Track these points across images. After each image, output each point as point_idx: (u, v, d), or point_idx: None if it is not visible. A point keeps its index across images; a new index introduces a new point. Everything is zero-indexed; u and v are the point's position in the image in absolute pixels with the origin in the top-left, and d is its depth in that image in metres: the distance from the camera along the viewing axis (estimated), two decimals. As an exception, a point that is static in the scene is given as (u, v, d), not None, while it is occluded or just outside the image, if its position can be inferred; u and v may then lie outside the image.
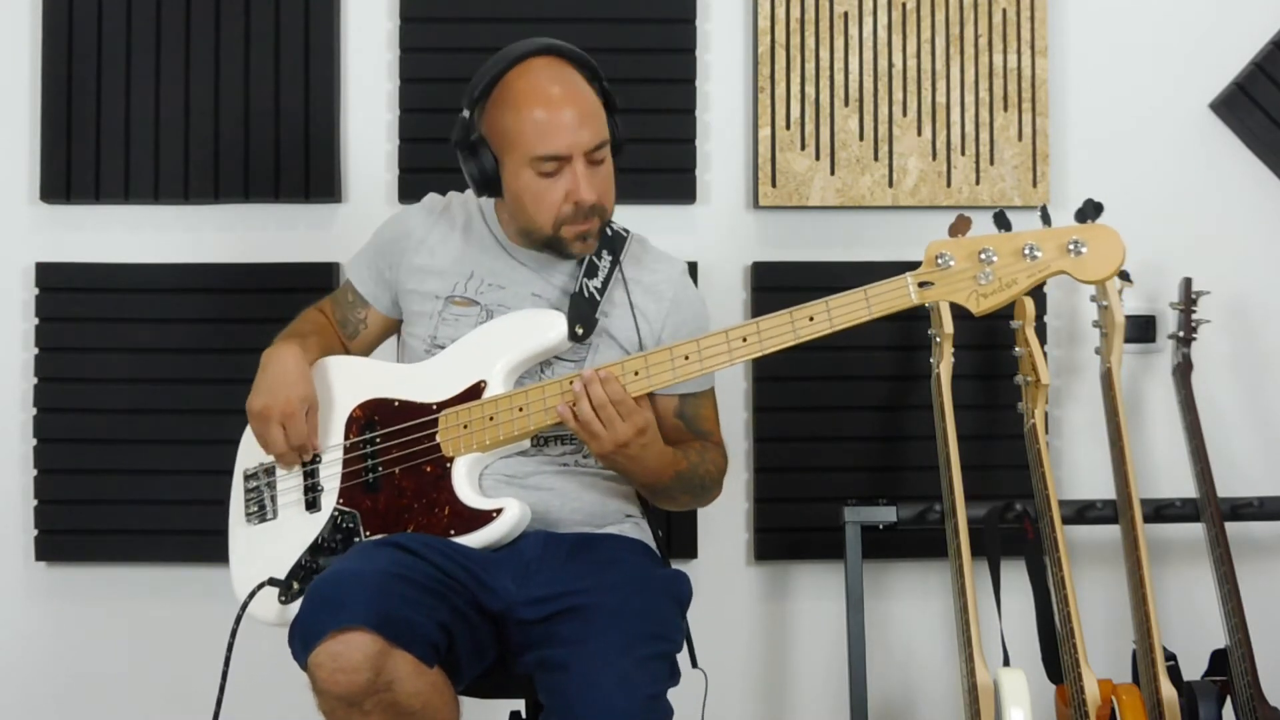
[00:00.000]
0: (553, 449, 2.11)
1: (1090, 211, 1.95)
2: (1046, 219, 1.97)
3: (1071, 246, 1.92)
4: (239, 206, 2.85)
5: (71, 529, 2.81)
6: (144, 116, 2.82)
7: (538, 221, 2.07)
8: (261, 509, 2.15)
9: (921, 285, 1.95)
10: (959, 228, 1.99)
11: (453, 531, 2.00)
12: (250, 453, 2.18)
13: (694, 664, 2.10)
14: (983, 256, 1.94)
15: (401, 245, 2.20)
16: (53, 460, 2.82)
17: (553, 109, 2.02)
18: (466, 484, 2.03)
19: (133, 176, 2.82)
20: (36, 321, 2.83)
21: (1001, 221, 1.99)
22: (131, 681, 2.85)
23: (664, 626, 1.97)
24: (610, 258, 2.15)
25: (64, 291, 2.82)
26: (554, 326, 2.05)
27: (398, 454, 2.07)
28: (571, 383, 1.98)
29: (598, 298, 2.11)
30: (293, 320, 2.28)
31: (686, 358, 1.98)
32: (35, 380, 2.82)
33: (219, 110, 2.82)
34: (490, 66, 2.06)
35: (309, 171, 2.82)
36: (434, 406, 2.07)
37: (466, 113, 2.07)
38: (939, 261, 1.95)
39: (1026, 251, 1.93)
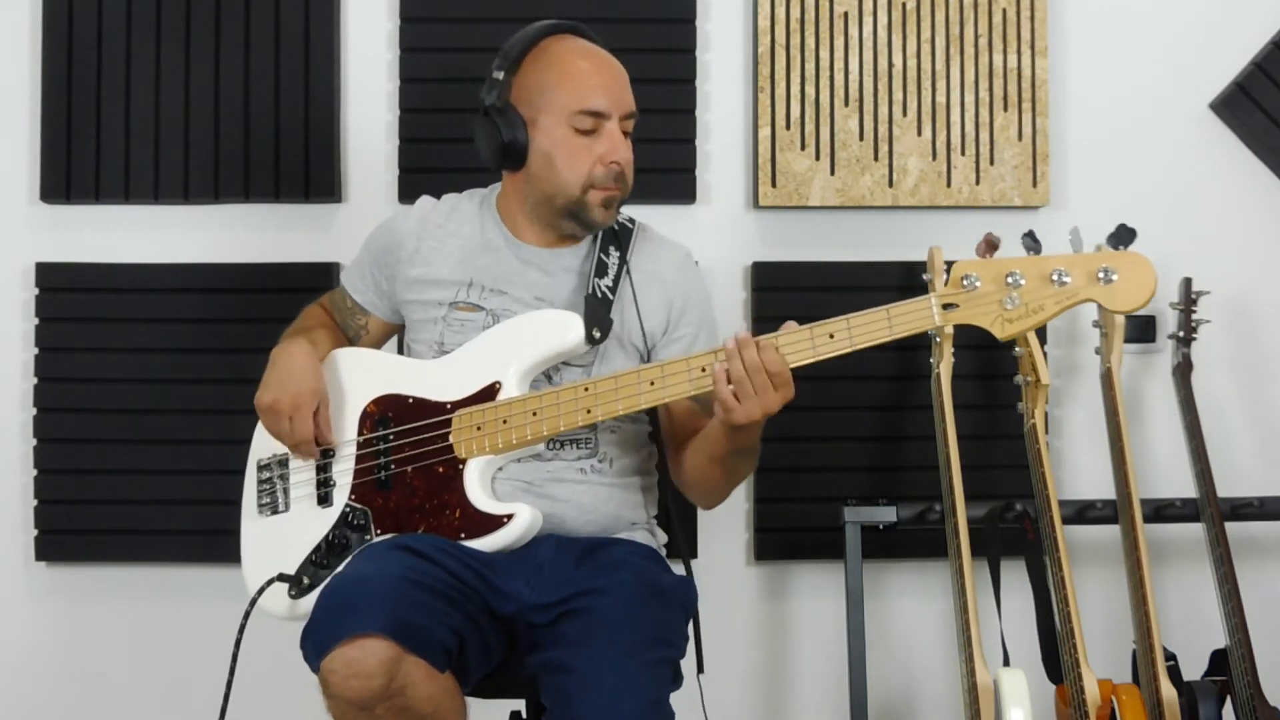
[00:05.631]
0: (569, 452, 2.09)
1: (1123, 237, 1.89)
2: (1033, 243, 1.91)
3: (1102, 274, 1.85)
4: (239, 206, 2.85)
5: (71, 529, 2.81)
6: (144, 116, 2.82)
7: (568, 181, 2.06)
8: (274, 501, 2.14)
9: (946, 307, 1.89)
10: (987, 248, 1.92)
11: (463, 534, 1.99)
12: (264, 443, 2.17)
13: (700, 669, 2.09)
14: (1009, 280, 1.87)
15: (395, 256, 2.18)
16: (53, 460, 2.82)
17: (598, 67, 2.07)
18: (478, 487, 2.01)
19: (133, 176, 2.82)
20: (36, 321, 2.83)
21: (1030, 242, 1.92)
22: (131, 682, 2.85)
23: (669, 632, 1.97)
24: (618, 254, 2.13)
25: (64, 291, 2.82)
26: (571, 328, 2.03)
27: (410, 452, 2.06)
28: (725, 344, 1.93)
29: (610, 297, 2.09)
30: (296, 319, 2.27)
31: (703, 369, 1.94)
32: (35, 380, 2.82)
33: (219, 110, 2.82)
34: (527, 32, 2.09)
35: (309, 171, 2.82)
36: (448, 406, 2.06)
37: (499, 74, 2.08)
38: (965, 283, 1.88)
39: (1055, 277, 1.86)
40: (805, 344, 1.92)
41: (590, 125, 2.04)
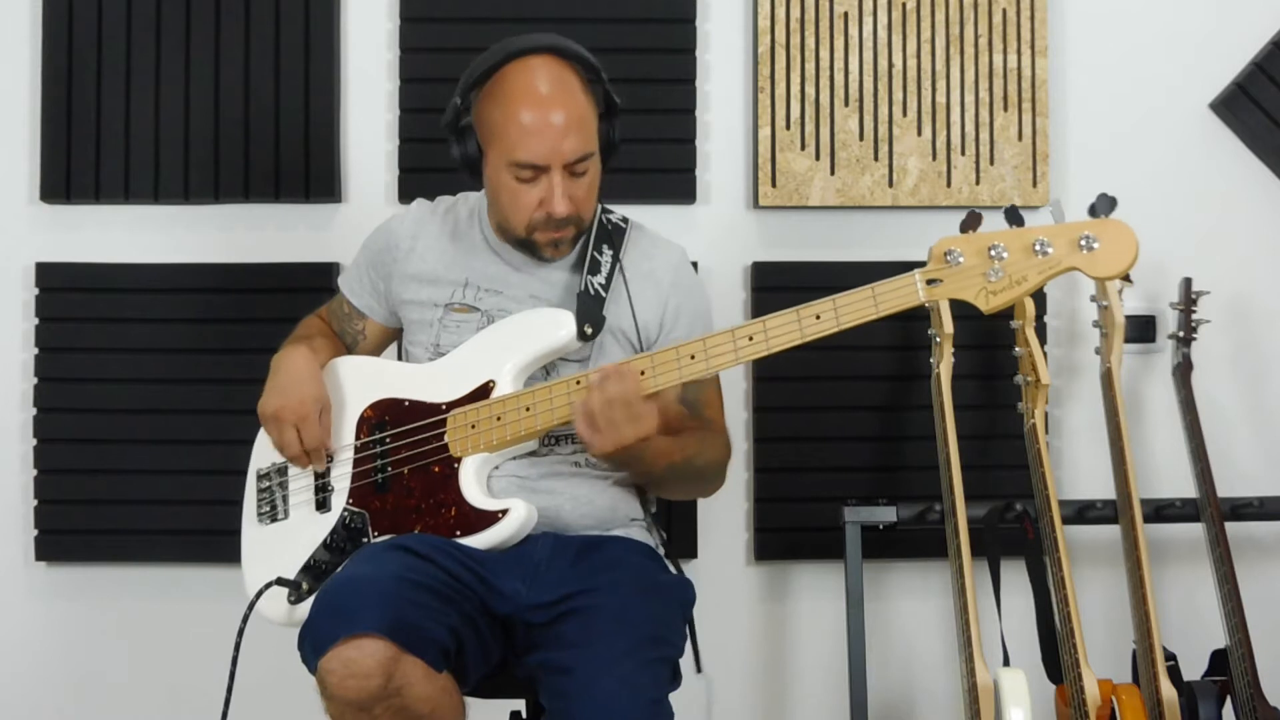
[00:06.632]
0: (563, 448, 2.10)
1: (1102, 206, 1.91)
2: (1015, 218, 1.92)
3: (1083, 242, 1.88)
4: (239, 206, 2.85)
5: (71, 529, 2.81)
6: (144, 116, 2.82)
7: (511, 221, 2.07)
8: (273, 509, 2.15)
9: (930, 283, 1.91)
10: (969, 224, 1.94)
11: (459, 532, 2.00)
12: (263, 452, 2.17)
13: (698, 669, 2.10)
14: (992, 253, 1.89)
15: (391, 255, 2.20)
16: (53, 460, 2.82)
17: (539, 114, 1.98)
18: (474, 484, 2.02)
19: (133, 176, 2.82)
20: (36, 321, 2.83)
21: (1013, 217, 1.93)
22: (131, 682, 2.85)
23: (667, 630, 1.97)
24: (611, 252, 2.14)
25: (64, 291, 2.82)
26: (563, 326, 2.04)
27: (407, 454, 2.07)
28: (579, 381, 1.97)
29: (603, 294, 2.10)
30: (295, 328, 2.29)
31: (693, 357, 1.96)
32: (35, 380, 2.82)
33: (219, 110, 2.82)
34: (488, 56, 2.04)
35: (309, 171, 2.82)
36: (443, 406, 2.07)
37: (458, 99, 2.05)
38: (948, 258, 1.91)
39: (1037, 247, 1.89)
40: (792, 326, 1.94)
41: (529, 175, 2.01)
